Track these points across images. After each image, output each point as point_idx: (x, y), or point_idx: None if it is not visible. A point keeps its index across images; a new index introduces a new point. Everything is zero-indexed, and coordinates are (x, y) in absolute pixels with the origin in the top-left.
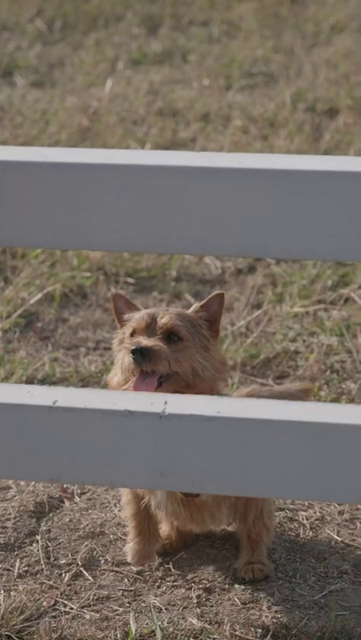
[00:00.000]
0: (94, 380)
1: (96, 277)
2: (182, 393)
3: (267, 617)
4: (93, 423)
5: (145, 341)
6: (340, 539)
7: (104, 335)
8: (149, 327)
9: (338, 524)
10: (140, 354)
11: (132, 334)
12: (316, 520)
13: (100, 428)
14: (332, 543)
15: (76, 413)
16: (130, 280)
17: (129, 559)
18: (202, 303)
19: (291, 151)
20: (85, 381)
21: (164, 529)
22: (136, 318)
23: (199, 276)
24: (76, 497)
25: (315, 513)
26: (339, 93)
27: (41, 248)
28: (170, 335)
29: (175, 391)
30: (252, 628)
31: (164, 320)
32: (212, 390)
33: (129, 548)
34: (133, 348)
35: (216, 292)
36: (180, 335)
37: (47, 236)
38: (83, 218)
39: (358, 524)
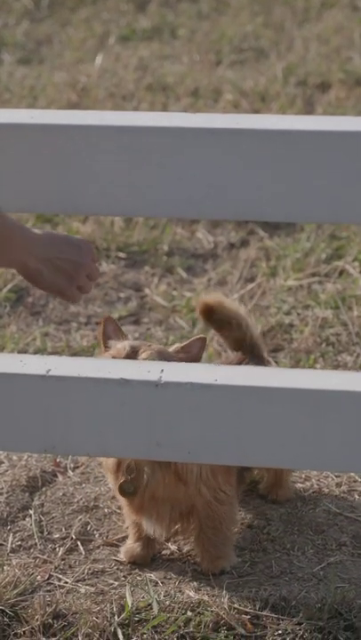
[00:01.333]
0: (86, 355)
1: None
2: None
3: (265, 589)
4: (88, 392)
5: None
6: (338, 510)
7: (95, 310)
8: (129, 359)
9: (336, 496)
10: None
11: None
12: (313, 492)
13: (94, 397)
14: (330, 515)
15: (70, 382)
16: (121, 255)
17: (123, 557)
18: (183, 345)
19: None
20: (77, 356)
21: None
22: (118, 347)
23: (191, 250)
24: (70, 471)
25: (312, 485)
26: (330, 67)
27: (30, 212)
28: None
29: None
30: (251, 601)
31: (143, 356)
32: None
33: (127, 549)
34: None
35: (198, 337)
36: None
37: (36, 200)
38: (73, 181)
39: (356, 495)
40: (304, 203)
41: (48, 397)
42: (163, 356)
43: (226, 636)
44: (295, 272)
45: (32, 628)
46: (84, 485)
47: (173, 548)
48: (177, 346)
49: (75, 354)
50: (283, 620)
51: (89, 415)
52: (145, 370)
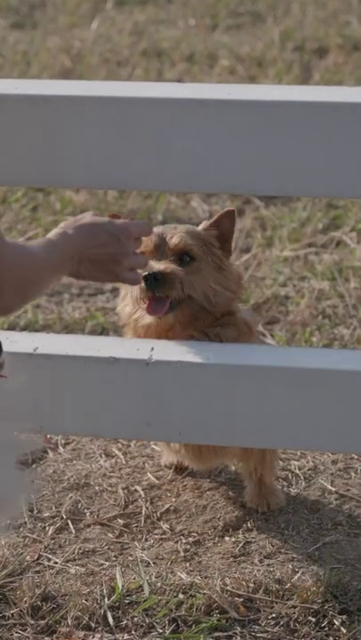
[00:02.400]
0: (78, 327)
1: None
2: (197, 317)
3: (258, 570)
4: (76, 371)
5: (156, 265)
6: (334, 489)
7: (88, 281)
8: (159, 249)
9: (331, 473)
10: (153, 279)
11: None
12: (308, 470)
13: (83, 375)
14: (326, 494)
15: (58, 361)
16: None
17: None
18: (211, 221)
19: None
20: (69, 328)
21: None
22: (144, 241)
23: (186, 220)
24: (60, 447)
25: (307, 462)
26: (328, 32)
27: (17, 185)
28: (182, 256)
29: (190, 315)
30: (244, 583)
31: (174, 240)
32: (228, 312)
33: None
34: (146, 274)
35: (226, 209)
36: (192, 255)
37: (22, 173)
38: (60, 153)
39: (353, 473)
40: (298, 176)
41: (35, 376)
42: (193, 236)
43: (218, 620)
44: (291, 242)
45: (20, 611)
46: (74, 462)
47: (165, 527)
48: (206, 223)
49: (66, 326)
50: (277, 602)
51: (78, 394)
52: (134, 348)
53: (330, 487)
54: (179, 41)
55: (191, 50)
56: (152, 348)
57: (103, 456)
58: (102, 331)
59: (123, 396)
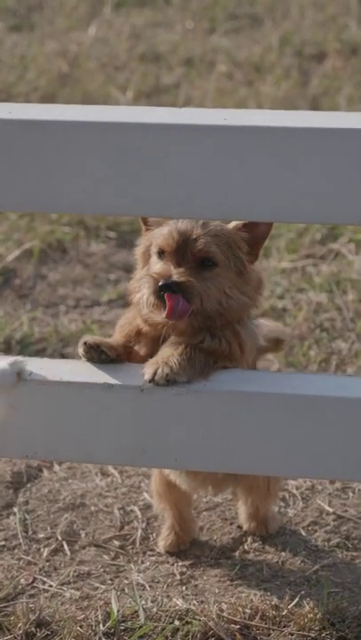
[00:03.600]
0: (75, 341)
1: (76, 232)
2: (208, 322)
3: (255, 595)
4: (70, 397)
5: (175, 275)
6: (331, 510)
7: (84, 292)
8: (180, 250)
9: (329, 493)
10: (170, 290)
11: (160, 254)
12: (306, 490)
13: (77, 402)
14: (323, 515)
15: (52, 387)
16: (111, 234)
17: (162, 549)
18: (245, 222)
19: (278, 98)
20: (65, 341)
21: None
22: (165, 236)
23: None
24: (56, 466)
25: (305, 482)
26: (326, 36)
27: (8, 211)
28: (203, 261)
29: (202, 321)
30: (240, 608)
31: (199, 245)
32: (239, 320)
33: (164, 539)
34: (161, 283)
35: None
36: (214, 261)
37: (15, 199)
38: (53, 179)
39: (351, 493)
40: (296, 202)
41: (29, 402)
42: (218, 240)
43: None
44: (289, 253)
45: (14, 638)
46: (70, 481)
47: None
48: (238, 223)
49: (63, 339)
50: (273, 630)
51: (72, 420)
52: (129, 374)
53: (327, 508)
54: (176, 45)
55: (189, 54)
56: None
57: (99, 475)
58: None
59: (117, 422)
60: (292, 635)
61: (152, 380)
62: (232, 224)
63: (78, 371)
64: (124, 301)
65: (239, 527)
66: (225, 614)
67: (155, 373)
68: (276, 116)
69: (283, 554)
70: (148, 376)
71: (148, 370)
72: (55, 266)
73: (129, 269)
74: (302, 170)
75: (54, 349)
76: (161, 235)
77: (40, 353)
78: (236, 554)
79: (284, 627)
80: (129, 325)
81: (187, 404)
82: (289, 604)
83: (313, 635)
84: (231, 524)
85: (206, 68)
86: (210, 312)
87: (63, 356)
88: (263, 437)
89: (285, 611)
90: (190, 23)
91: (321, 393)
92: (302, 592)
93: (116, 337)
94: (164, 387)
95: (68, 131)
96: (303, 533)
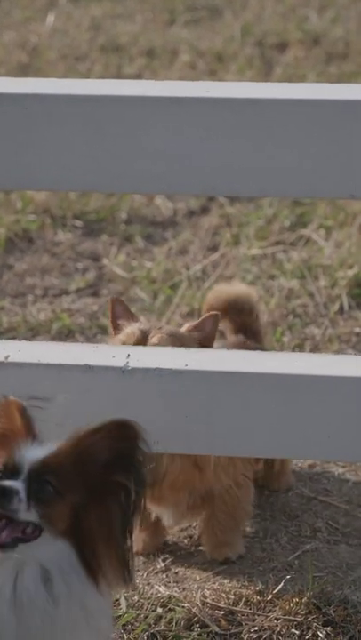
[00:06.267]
0: (44, 330)
1: (42, 220)
2: None
3: (238, 581)
4: (49, 379)
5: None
6: (311, 494)
7: (52, 282)
8: (139, 344)
9: (309, 478)
10: None
11: None
12: None
13: (56, 384)
14: (304, 500)
15: (31, 369)
16: (77, 223)
17: (136, 549)
18: (195, 323)
19: None
20: (35, 331)
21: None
22: (127, 333)
23: (150, 218)
24: None
25: None
26: (287, 27)
27: None
28: None
29: None
30: (224, 595)
31: (154, 340)
32: None
33: (136, 541)
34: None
35: (210, 313)
36: None
37: None
38: (27, 155)
39: (330, 477)
40: (279, 176)
41: (7, 385)
42: (173, 339)
43: (199, 635)
44: (258, 240)
45: None
46: None
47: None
48: (188, 325)
49: (32, 329)
50: (258, 615)
51: (51, 403)
52: (109, 355)
53: (308, 492)
54: (137, 35)
55: (150, 45)
56: (128, 355)
57: None
58: (69, 333)
59: (97, 405)
60: (277, 620)
61: None
62: (183, 327)
63: (57, 352)
64: (92, 290)
65: None
66: (208, 600)
67: None
68: (259, 88)
69: (264, 540)
70: None
71: None
72: (22, 255)
73: (96, 258)
74: (288, 142)
75: (24, 338)
76: (124, 332)
77: None
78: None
79: (270, 612)
80: None
81: (169, 385)
82: (273, 590)
83: (299, 619)
84: None
85: (169, 59)
86: None
87: None
88: (247, 418)
89: (270, 596)
90: (150, 14)
91: (304, 372)
92: (286, 577)
93: None
94: (146, 368)
95: (42, 104)
96: (284, 518)
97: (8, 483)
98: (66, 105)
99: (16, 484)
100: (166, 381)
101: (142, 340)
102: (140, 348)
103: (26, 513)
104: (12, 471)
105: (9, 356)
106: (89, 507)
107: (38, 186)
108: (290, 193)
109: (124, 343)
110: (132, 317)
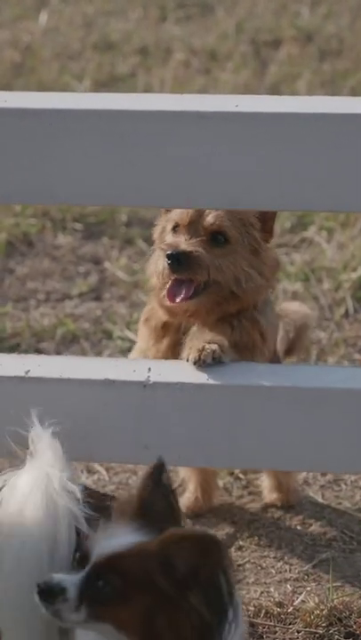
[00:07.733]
0: (48, 336)
1: (42, 224)
2: (224, 303)
3: (256, 592)
4: (70, 394)
5: (183, 245)
6: (325, 502)
7: (54, 286)
8: (193, 224)
9: (322, 486)
10: (175, 260)
11: (174, 229)
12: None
13: (77, 398)
14: (317, 508)
15: (51, 384)
16: (77, 226)
17: (183, 508)
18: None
19: (237, 85)
20: (39, 337)
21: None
22: (179, 211)
23: (150, 219)
24: None
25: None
26: (280, 23)
27: (3, 203)
28: (216, 236)
29: (215, 301)
30: (244, 606)
31: (210, 219)
32: (255, 303)
33: (186, 498)
34: (169, 252)
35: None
36: (227, 237)
37: (8, 190)
38: (49, 169)
39: (343, 485)
40: (303, 189)
41: (27, 400)
42: (231, 216)
43: None
44: None
45: None
46: None
47: None
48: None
49: (36, 334)
50: (279, 627)
51: (72, 418)
52: (131, 369)
53: (321, 500)
54: (130, 33)
55: (143, 42)
56: (149, 369)
57: (85, 472)
58: (73, 338)
59: (119, 419)
60: (299, 632)
61: (198, 361)
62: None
63: (77, 367)
64: (95, 294)
65: (233, 522)
66: None
67: (201, 351)
68: (286, 102)
69: (279, 549)
70: (193, 358)
71: (192, 354)
72: (22, 259)
73: (97, 261)
74: (311, 156)
75: (28, 344)
76: (177, 211)
77: (14, 349)
78: (232, 550)
79: (290, 624)
80: (153, 319)
81: (190, 398)
82: (293, 601)
83: (321, 632)
84: (224, 519)
85: (162, 57)
86: (226, 288)
87: (38, 352)
88: (269, 431)
89: (290, 607)
90: (141, 11)
91: (327, 385)
92: (303, 588)
93: (142, 331)
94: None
95: (64, 119)
96: (298, 527)
97: (58, 578)
98: (85, 120)
99: (67, 581)
100: (188, 395)
101: (196, 219)
102: (161, 362)
103: (73, 614)
104: (84, 562)
105: (29, 370)
106: (159, 611)
107: (58, 200)
108: (315, 208)
109: (176, 224)
110: None
